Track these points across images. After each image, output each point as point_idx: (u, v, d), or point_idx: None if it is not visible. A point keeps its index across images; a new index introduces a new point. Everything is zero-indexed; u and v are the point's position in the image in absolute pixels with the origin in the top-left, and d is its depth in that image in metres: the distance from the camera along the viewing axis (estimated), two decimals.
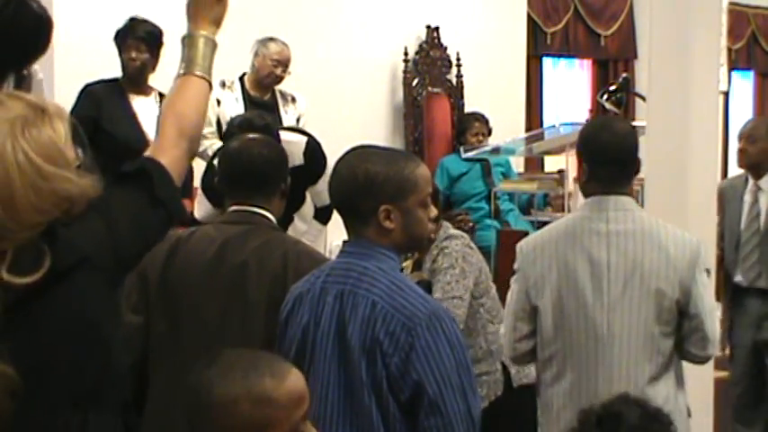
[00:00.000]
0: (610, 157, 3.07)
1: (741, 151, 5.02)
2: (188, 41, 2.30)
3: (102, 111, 4.86)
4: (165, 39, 4.88)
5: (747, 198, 5.03)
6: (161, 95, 4.92)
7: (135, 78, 4.98)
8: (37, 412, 1.90)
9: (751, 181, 5.04)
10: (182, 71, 2.27)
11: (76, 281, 1.94)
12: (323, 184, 3.74)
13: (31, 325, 1.91)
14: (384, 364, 2.28)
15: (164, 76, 4.92)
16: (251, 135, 3.12)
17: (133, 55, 4.93)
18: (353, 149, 2.46)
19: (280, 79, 5.76)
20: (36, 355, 1.91)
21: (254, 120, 3.99)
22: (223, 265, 2.78)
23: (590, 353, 3.02)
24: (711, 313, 3.07)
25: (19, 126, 1.91)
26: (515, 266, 3.17)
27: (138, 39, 4.93)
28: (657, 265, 3.01)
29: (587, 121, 6.92)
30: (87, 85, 5.02)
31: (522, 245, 3.19)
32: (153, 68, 4.97)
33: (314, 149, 3.78)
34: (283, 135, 3.96)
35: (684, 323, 3.05)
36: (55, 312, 1.93)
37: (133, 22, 4.98)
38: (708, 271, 3.11)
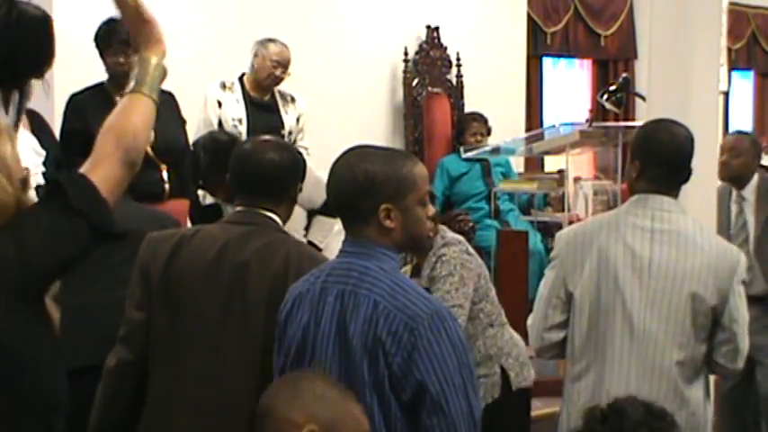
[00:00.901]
0: (664, 158, 3.07)
1: (723, 164, 5.04)
2: (140, 63, 2.35)
3: (89, 122, 4.80)
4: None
5: (733, 208, 5.10)
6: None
7: (123, 81, 4.90)
8: None
9: (734, 191, 5.10)
10: (128, 90, 2.31)
11: None
12: (305, 191, 3.77)
13: None
14: (386, 363, 2.28)
15: None
16: (265, 137, 3.11)
17: (121, 60, 4.84)
18: (351, 150, 2.46)
19: (279, 80, 5.75)
20: None
21: (218, 137, 4.00)
22: (224, 264, 2.78)
23: (624, 348, 3.00)
24: (744, 325, 3.06)
25: None
26: (552, 254, 3.17)
27: (124, 42, 4.83)
28: (699, 270, 3.00)
29: (590, 119, 6.92)
30: (72, 96, 4.98)
31: (561, 233, 3.20)
32: None
33: None
34: None
35: (717, 333, 3.04)
36: None
37: (113, 25, 4.82)
38: (744, 282, 3.11)
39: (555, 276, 3.11)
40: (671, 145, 3.08)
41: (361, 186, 2.36)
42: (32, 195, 2.10)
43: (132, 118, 2.24)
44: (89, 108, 4.83)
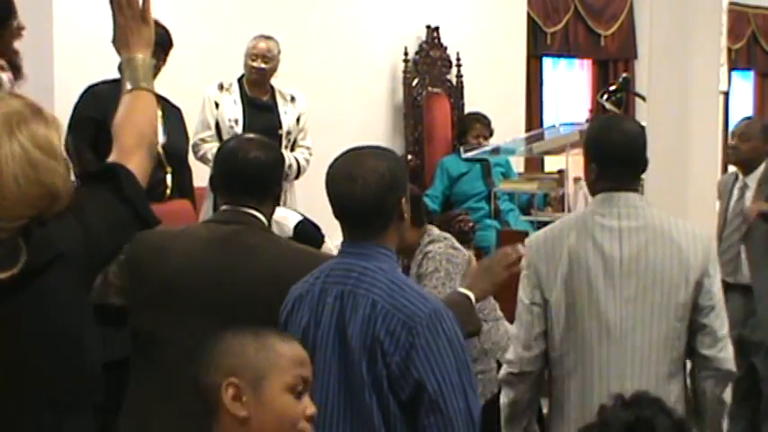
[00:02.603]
0: (619, 158, 3.06)
1: (733, 148, 5.08)
2: (126, 65, 2.43)
3: (108, 113, 4.80)
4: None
5: (735, 194, 5.09)
6: (157, 96, 4.90)
7: None
8: (10, 411, 1.90)
9: (740, 177, 5.11)
10: (129, 87, 2.40)
11: (50, 279, 1.95)
12: None
13: (3, 323, 1.91)
14: (384, 363, 2.29)
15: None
16: (249, 135, 3.11)
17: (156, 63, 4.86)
18: (353, 152, 2.47)
19: (264, 73, 5.68)
20: (8, 353, 1.91)
21: None
22: (210, 263, 2.76)
23: (602, 349, 3.00)
24: (721, 311, 3.06)
25: (15, 120, 1.96)
26: (523, 263, 3.14)
27: (158, 45, 4.84)
28: (670, 261, 3.00)
29: (592, 120, 6.90)
30: (91, 86, 4.97)
31: (530, 240, 3.16)
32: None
33: (304, 230, 3.80)
34: (278, 212, 4.05)
35: (694, 320, 3.03)
36: (28, 311, 1.93)
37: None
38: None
39: (532, 286, 3.08)
40: (623, 143, 3.07)
41: (388, 184, 2.39)
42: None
43: (147, 114, 2.36)
44: (109, 101, 4.79)
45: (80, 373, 2.00)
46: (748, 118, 5.49)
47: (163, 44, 4.87)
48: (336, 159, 2.46)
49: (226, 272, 2.74)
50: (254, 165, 2.83)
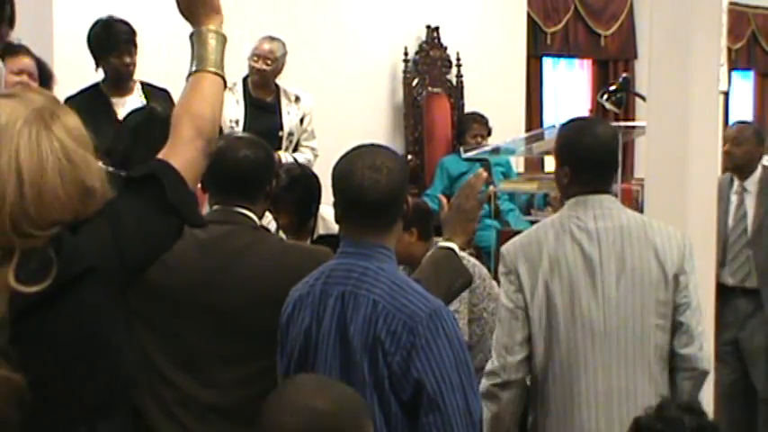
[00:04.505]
0: (593, 162, 3.07)
1: (726, 153, 5.11)
2: (196, 39, 2.21)
3: (85, 125, 4.73)
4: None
5: (734, 199, 5.16)
6: (142, 84, 4.82)
7: (125, 81, 4.83)
8: (44, 423, 1.87)
9: (736, 182, 5.13)
10: (194, 68, 2.19)
11: (83, 292, 1.88)
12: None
13: (37, 336, 1.86)
14: (386, 363, 2.29)
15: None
16: (238, 134, 3.10)
17: (127, 60, 4.74)
18: (366, 147, 2.48)
19: (261, 72, 5.64)
20: (43, 367, 1.86)
21: (306, 169, 4.01)
22: (205, 264, 2.75)
23: (587, 350, 3.01)
24: (697, 309, 3.07)
25: (47, 113, 1.91)
26: (503, 269, 3.12)
27: (128, 42, 4.75)
28: (648, 260, 3.02)
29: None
30: (67, 99, 4.91)
31: (507, 247, 3.15)
32: None
33: None
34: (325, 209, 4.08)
35: (673, 319, 3.04)
36: (61, 324, 1.87)
37: (113, 25, 4.74)
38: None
39: (513, 290, 3.06)
40: (597, 147, 3.08)
41: (405, 176, 2.45)
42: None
43: (209, 102, 2.13)
44: (85, 111, 4.73)
45: (115, 384, 1.95)
46: (739, 122, 5.52)
47: (135, 40, 4.78)
48: (346, 155, 2.45)
49: (220, 272, 2.73)
50: (244, 164, 2.82)
